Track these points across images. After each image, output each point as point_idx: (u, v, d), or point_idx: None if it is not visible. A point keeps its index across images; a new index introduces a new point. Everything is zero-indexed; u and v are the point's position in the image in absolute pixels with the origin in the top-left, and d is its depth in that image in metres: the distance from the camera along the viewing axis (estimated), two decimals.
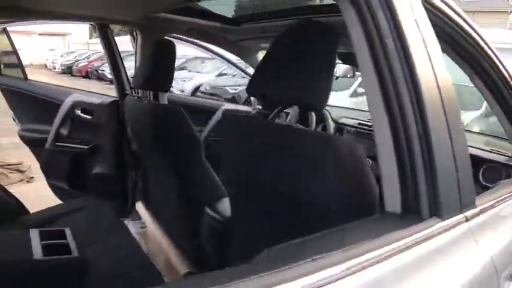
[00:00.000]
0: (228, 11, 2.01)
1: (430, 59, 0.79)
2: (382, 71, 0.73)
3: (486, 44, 1.19)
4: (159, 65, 1.58)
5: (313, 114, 2.30)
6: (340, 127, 2.34)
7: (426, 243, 0.71)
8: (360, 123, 2.25)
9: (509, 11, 24.81)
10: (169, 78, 1.64)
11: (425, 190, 0.74)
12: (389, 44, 0.72)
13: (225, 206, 1.55)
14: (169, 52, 1.60)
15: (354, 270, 0.59)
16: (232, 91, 9.14)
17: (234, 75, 9.25)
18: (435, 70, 0.79)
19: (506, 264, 0.91)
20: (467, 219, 0.84)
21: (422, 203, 0.74)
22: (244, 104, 5.49)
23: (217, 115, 2.84)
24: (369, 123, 2.24)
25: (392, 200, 0.75)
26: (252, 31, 2.02)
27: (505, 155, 1.85)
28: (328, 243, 0.63)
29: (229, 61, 2.66)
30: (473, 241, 0.83)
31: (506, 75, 1.32)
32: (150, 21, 1.89)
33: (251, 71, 2.65)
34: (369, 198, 0.80)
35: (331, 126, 2.34)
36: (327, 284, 0.55)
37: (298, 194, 0.88)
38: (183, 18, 1.89)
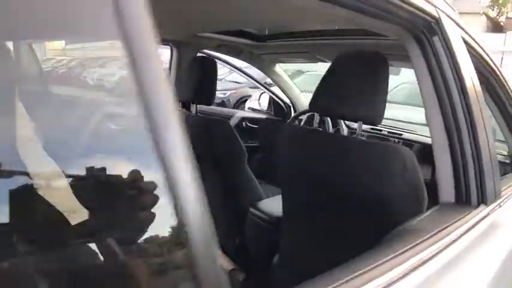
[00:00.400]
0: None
1: (472, 82, 1.03)
2: (442, 95, 0.96)
3: (493, 62, 1.44)
4: (204, 80, 1.77)
5: (329, 119, 2.54)
6: (352, 131, 2.57)
7: (479, 226, 0.94)
8: (372, 128, 2.49)
9: (481, 12, 25.65)
10: (214, 92, 1.83)
11: (474, 182, 0.97)
12: (448, 75, 0.95)
13: (267, 205, 1.76)
14: (214, 68, 1.80)
15: (440, 249, 0.80)
16: (221, 95, 9.34)
17: (220, 80, 9.45)
18: (476, 89, 1.03)
19: None
20: (500, 206, 1.08)
21: (472, 193, 0.97)
22: (234, 107, 5.68)
23: (233, 122, 3.06)
24: (379, 128, 2.49)
25: (447, 192, 0.98)
26: (275, 47, 2.24)
27: (500, 154, 2.12)
28: (416, 233, 0.84)
29: (248, 75, 2.87)
30: (508, 221, 1.07)
31: (509, 90, 1.59)
32: (189, 39, 2.08)
33: (269, 81, 2.90)
34: (422, 198, 1.01)
35: (345, 130, 2.57)
36: (428, 260, 0.76)
37: (366, 197, 1.05)
38: (216, 36, 2.09)
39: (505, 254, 1.01)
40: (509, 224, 1.11)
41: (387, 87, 1.10)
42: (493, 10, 30.34)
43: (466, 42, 1.13)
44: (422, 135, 2.33)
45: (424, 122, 1.23)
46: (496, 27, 28.27)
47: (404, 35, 1.01)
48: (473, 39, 1.26)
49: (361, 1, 0.79)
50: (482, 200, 0.98)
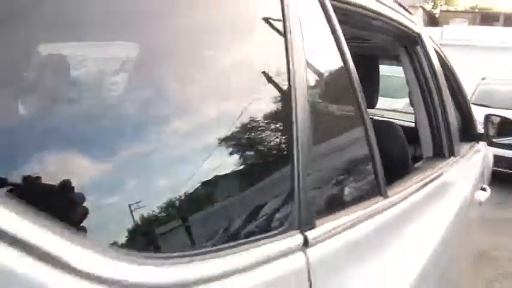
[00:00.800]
0: None
1: (441, 77, 1.54)
2: (422, 86, 1.46)
3: (449, 62, 1.98)
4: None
5: None
6: None
7: (452, 169, 1.45)
8: None
9: (418, 5, 27.24)
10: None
11: (446, 142, 1.48)
12: (427, 73, 1.45)
13: None
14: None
15: (426, 182, 1.27)
16: None
17: None
18: (443, 82, 1.55)
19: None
20: (462, 157, 1.60)
21: (444, 149, 1.47)
22: None
23: None
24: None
25: (428, 150, 1.48)
26: None
27: None
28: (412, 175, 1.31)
29: None
30: (468, 166, 1.60)
31: (457, 80, 2.14)
32: None
33: None
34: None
35: None
36: (420, 189, 1.24)
37: None
38: None
39: (469, 183, 1.56)
40: (469, 167, 1.66)
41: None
42: (428, 4, 32.26)
43: (435, 50, 1.64)
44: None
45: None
46: (431, 20, 30.09)
47: (396, 46, 1.50)
48: (439, 48, 1.78)
49: (369, 23, 1.23)
50: (452, 154, 1.49)
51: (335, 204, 0.65)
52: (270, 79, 0.55)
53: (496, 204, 3.71)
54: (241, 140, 0.52)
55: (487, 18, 28.51)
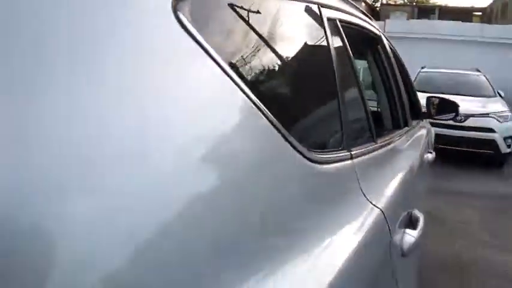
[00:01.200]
0: None
1: (395, 67, 2.07)
2: (383, 75, 1.98)
3: (398, 55, 2.54)
4: None
5: None
6: None
7: (407, 134, 1.99)
8: None
9: (361, 0, 28.51)
10: None
11: (401, 116, 2.01)
12: (386, 65, 1.97)
13: None
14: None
15: (395, 140, 1.81)
16: None
17: None
18: (396, 71, 2.08)
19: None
20: (414, 127, 2.16)
21: (401, 121, 2.01)
22: None
23: None
24: None
25: (388, 123, 2.01)
26: None
27: None
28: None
29: None
30: (418, 132, 2.16)
31: (404, 69, 2.71)
32: None
33: None
34: None
35: None
36: (392, 143, 1.77)
37: None
38: None
39: (421, 145, 2.13)
40: (419, 135, 2.22)
41: None
42: None
43: (390, 47, 2.17)
44: None
45: None
46: (373, 13, 31.56)
47: (364, 46, 2.01)
48: (392, 45, 2.31)
49: (354, 31, 1.72)
50: (406, 125, 2.02)
51: (357, 139, 1.14)
52: (329, 67, 1.02)
53: (437, 176, 4.39)
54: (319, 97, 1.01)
55: (424, 11, 30.33)
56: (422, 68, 8.68)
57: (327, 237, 0.68)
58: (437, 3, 35.42)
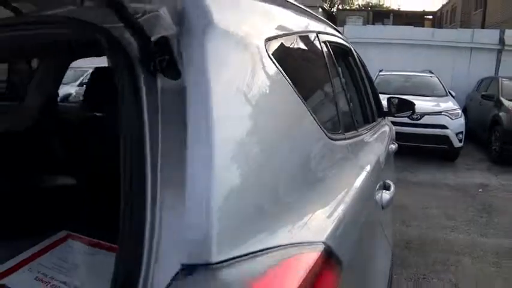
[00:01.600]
0: None
1: (365, 71, 2.49)
2: (355, 83, 2.39)
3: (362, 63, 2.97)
4: None
5: None
6: None
7: (378, 125, 2.40)
8: None
9: (317, 5, 29.38)
10: None
11: (374, 109, 2.42)
12: (359, 70, 2.39)
13: None
14: None
15: (369, 131, 2.22)
16: None
17: None
18: (368, 74, 2.50)
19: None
20: (383, 118, 2.58)
21: (375, 115, 2.42)
22: None
23: None
24: None
25: (360, 119, 2.43)
26: None
27: None
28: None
29: None
30: (386, 123, 2.59)
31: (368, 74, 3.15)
32: None
33: None
34: None
35: None
36: (367, 135, 2.18)
37: None
38: None
39: (387, 136, 2.55)
40: (384, 128, 2.64)
41: None
42: (326, 3, 34.73)
43: (357, 57, 2.59)
44: None
45: None
46: (330, 18, 32.53)
47: (338, 56, 2.41)
48: (358, 55, 2.74)
49: (336, 48, 2.13)
50: (374, 120, 2.44)
51: (347, 127, 1.53)
52: (326, 82, 1.41)
53: (399, 169, 4.89)
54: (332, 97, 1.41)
55: (379, 15, 31.60)
56: (380, 71, 9.30)
57: (340, 184, 1.07)
58: (391, 8, 36.97)
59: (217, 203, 0.64)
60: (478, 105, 8.86)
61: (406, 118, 5.73)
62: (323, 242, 0.77)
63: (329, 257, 0.76)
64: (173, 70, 0.70)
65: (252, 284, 0.62)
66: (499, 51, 11.59)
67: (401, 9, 37.24)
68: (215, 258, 0.62)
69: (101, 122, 2.02)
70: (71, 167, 2.23)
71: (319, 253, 0.74)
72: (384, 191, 1.51)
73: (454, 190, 5.75)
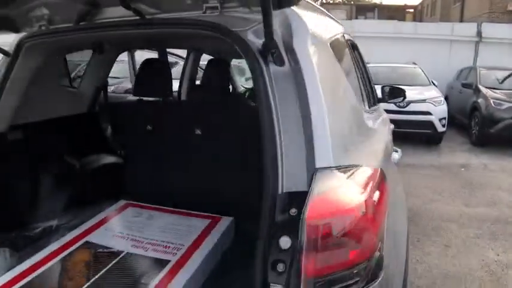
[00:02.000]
0: None
1: (364, 63, 3.01)
2: (360, 72, 2.90)
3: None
4: None
5: None
6: None
7: (377, 109, 2.91)
8: None
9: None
10: None
11: (371, 98, 2.93)
12: (362, 65, 2.89)
13: None
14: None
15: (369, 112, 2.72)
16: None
17: None
18: (366, 66, 3.02)
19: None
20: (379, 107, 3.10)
21: (374, 100, 2.93)
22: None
23: None
24: None
25: (363, 103, 2.94)
26: None
27: None
28: None
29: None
30: (381, 110, 3.11)
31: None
32: None
33: None
34: None
35: None
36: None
37: None
38: None
39: (387, 116, 3.05)
40: (383, 110, 3.14)
41: None
42: None
43: (359, 52, 3.10)
44: None
45: None
46: None
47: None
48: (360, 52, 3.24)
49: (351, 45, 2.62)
50: (375, 104, 2.94)
51: (369, 104, 2.06)
52: (354, 71, 1.92)
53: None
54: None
55: (362, 9, 32.27)
56: (367, 63, 9.81)
57: (377, 136, 1.60)
58: (373, 1, 37.64)
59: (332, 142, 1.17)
60: (459, 93, 9.52)
61: (393, 106, 6.35)
62: (379, 166, 1.33)
63: (382, 172, 1.28)
64: (280, 59, 1.19)
65: (351, 171, 1.15)
66: (477, 43, 12.37)
67: (384, 2, 38.00)
68: (333, 164, 1.15)
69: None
70: (116, 147, 2.68)
71: (379, 169, 1.29)
72: (394, 152, 2.04)
73: (439, 169, 6.36)
